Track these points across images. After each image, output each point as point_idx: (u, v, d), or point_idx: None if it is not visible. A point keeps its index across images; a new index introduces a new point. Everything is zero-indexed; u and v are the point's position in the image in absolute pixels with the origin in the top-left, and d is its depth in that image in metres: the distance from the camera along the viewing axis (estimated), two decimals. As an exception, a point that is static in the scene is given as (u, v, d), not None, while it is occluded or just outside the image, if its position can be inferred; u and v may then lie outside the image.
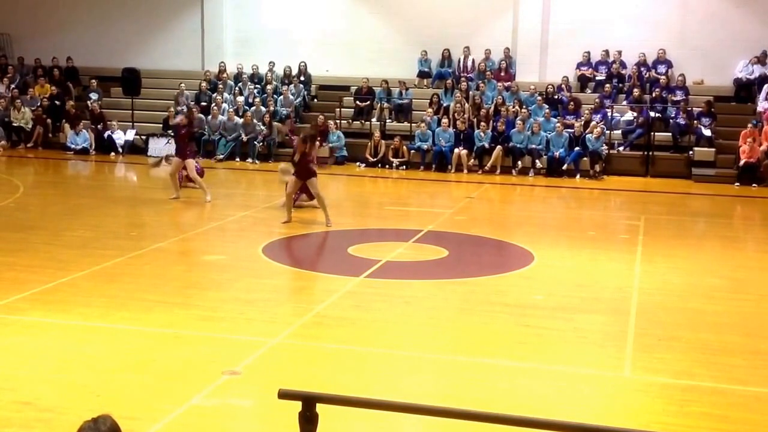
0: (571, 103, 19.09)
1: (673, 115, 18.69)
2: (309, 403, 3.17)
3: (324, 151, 18.69)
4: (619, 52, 19.87)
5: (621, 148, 18.55)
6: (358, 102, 20.07)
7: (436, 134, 18.65)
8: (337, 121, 19.52)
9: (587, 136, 17.95)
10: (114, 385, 5.98)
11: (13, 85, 21.59)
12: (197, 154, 13.46)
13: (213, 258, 10.07)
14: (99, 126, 20.07)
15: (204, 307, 7.91)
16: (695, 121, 18.32)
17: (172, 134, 14.05)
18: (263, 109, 19.80)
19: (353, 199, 15.79)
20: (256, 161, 18.73)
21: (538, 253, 10.42)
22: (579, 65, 20.19)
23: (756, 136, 17.44)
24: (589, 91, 19.85)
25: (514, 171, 18.08)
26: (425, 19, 20.91)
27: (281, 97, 20.37)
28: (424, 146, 18.50)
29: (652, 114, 18.61)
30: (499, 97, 19.35)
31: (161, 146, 19.45)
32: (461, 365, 6.68)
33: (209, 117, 19.60)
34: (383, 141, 18.79)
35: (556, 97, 19.40)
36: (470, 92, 19.67)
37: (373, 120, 19.78)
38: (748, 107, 18.92)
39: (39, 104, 20.81)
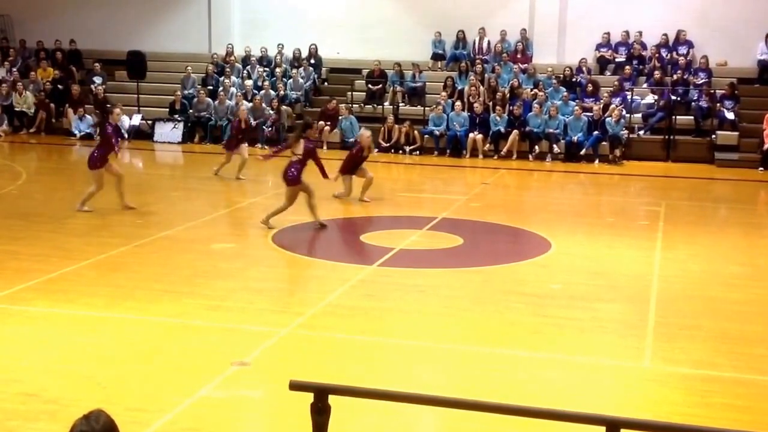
0: (590, 85, 18.79)
1: (695, 98, 18.35)
2: (321, 395, 3.16)
3: (334, 136, 18.55)
4: (640, 33, 19.51)
5: (641, 132, 18.27)
6: (370, 85, 19.84)
7: (449, 118, 18.42)
8: (349, 105, 19.31)
9: (606, 119, 17.68)
10: (120, 377, 5.92)
11: (14, 69, 21.22)
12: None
13: (222, 246, 9.94)
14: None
15: (212, 296, 7.81)
16: (718, 104, 17.98)
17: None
18: (272, 92, 19.60)
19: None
20: (265, 147, 18.54)
21: (556, 241, 10.28)
22: (598, 46, 19.85)
23: (780, 120, 17.12)
24: (609, 74, 19.52)
25: (530, 156, 17.83)
26: None
27: (291, 80, 20.15)
28: (437, 131, 18.27)
29: (673, 97, 18.29)
30: (516, 79, 19.06)
31: (167, 131, 19.32)
32: (477, 356, 6.57)
33: (216, 102, 19.40)
34: (396, 126, 18.59)
35: (574, 79, 19.09)
36: (485, 75, 19.41)
37: (386, 104, 19.57)
38: (772, 89, 18.55)
39: (41, 88, 20.54)
